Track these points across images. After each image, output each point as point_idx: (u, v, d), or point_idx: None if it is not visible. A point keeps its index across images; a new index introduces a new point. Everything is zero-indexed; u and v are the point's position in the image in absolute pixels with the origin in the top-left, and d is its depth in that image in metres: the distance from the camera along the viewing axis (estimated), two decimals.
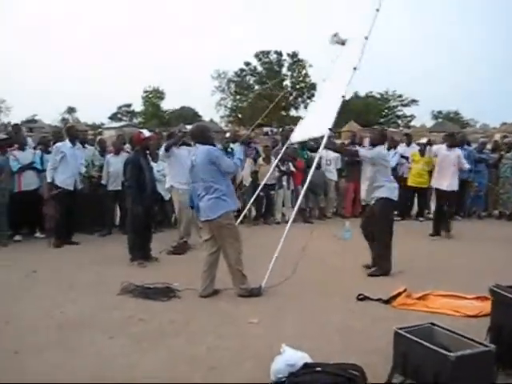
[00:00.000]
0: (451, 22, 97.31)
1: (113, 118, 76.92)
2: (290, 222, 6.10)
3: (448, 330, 3.73)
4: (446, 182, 9.13)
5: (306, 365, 3.44)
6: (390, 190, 6.55)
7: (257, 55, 65.44)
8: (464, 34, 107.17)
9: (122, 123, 64.79)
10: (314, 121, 7.46)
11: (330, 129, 6.07)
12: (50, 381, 3.64)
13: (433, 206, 10.90)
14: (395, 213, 11.05)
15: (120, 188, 9.17)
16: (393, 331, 3.65)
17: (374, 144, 6.79)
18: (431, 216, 10.88)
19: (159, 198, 8.67)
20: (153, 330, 4.68)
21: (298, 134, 8.11)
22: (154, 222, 8.23)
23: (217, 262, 5.73)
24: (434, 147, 10.21)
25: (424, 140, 11.69)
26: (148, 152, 7.53)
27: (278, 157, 9.00)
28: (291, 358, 3.55)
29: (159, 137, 10.11)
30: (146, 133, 7.68)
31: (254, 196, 8.78)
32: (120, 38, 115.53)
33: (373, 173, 6.62)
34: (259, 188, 8.83)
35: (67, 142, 8.45)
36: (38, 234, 9.10)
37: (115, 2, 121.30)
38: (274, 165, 9.23)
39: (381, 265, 6.53)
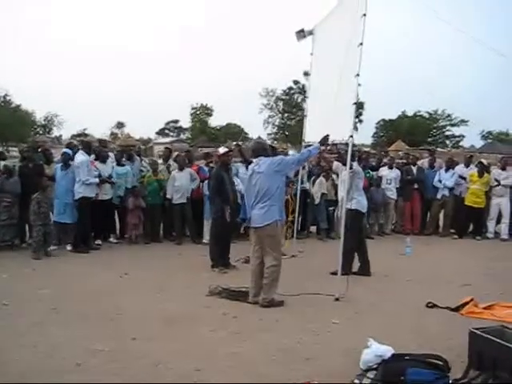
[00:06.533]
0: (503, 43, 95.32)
1: (160, 133, 78.95)
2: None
3: None
4: None
5: (394, 355, 3.99)
6: (360, 203, 7.36)
7: (306, 73, 65.92)
8: None
9: (170, 139, 66.35)
10: (328, 122, 7.04)
11: (351, 136, 6.31)
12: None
13: (490, 226, 11.21)
14: (452, 231, 11.49)
15: (185, 201, 9.91)
16: (463, 333, 4.23)
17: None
18: (489, 235, 11.19)
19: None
20: (246, 326, 5.30)
21: (313, 134, 7.85)
22: (234, 233, 8.89)
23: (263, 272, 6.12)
24: None
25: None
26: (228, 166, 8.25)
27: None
28: (378, 349, 4.11)
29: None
30: (221, 150, 8.37)
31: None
32: (168, 56, 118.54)
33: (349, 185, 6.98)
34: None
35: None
36: (111, 239, 9.94)
37: (163, 22, 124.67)
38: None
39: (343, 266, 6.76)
